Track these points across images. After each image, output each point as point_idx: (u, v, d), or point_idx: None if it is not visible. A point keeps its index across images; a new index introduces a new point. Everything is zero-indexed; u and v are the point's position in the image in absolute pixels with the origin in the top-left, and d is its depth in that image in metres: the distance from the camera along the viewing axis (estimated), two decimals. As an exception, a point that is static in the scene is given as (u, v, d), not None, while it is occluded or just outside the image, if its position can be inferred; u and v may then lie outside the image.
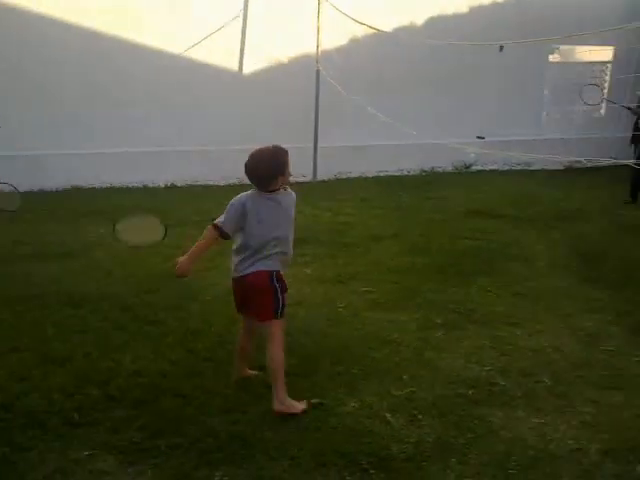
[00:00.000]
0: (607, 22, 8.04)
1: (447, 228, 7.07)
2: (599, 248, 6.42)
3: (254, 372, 3.68)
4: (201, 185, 9.22)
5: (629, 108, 8.48)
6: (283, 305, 3.32)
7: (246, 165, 3.28)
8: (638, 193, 8.46)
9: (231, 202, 3.31)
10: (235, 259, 3.34)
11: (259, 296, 3.30)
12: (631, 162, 7.25)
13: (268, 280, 3.28)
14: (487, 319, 4.62)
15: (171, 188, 9.16)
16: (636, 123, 8.45)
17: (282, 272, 3.37)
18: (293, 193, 3.40)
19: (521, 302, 4.99)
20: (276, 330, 3.32)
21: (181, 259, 3.29)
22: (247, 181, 3.35)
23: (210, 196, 8.33)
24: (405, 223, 7.25)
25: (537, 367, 3.91)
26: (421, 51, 9.91)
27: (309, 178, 9.60)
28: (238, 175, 7.82)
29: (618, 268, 5.80)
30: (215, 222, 3.28)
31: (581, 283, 5.46)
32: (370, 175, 10.22)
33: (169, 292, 4.93)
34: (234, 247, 3.36)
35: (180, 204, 8.02)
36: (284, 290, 3.34)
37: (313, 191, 8.47)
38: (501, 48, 9.70)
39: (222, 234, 3.27)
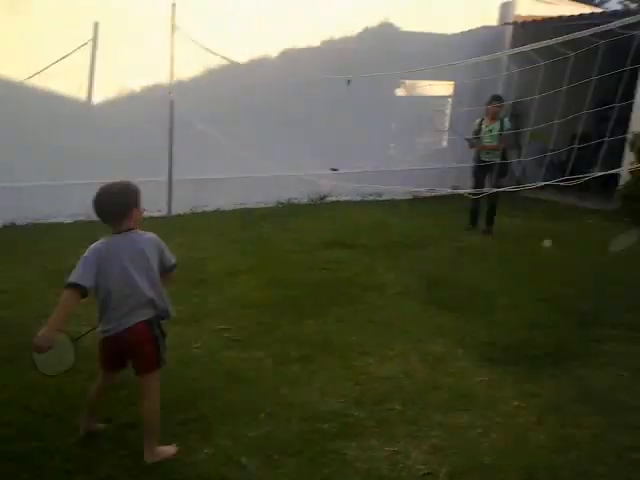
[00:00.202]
0: (454, 59, 8.48)
1: (303, 260, 7.15)
2: (445, 273, 6.80)
3: (102, 425, 3.45)
4: (45, 223, 8.62)
5: (468, 140, 9.10)
6: (163, 352, 3.23)
7: (95, 200, 3.07)
8: (478, 220, 9.09)
9: (84, 255, 3.04)
10: (101, 314, 3.12)
11: (140, 349, 3.14)
12: (465, 192, 7.79)
13: (148, 331, 3.14)
14: (342, 350, 4.69)
15: (10, 227, 8.47)
16: (478, 154, 8.97)
17: (160, 318, 3.23)
18: (152, 234, 3.21)
19: (374, 330, 5.14)
20: (153, 381, 3.19)
21: (42, 332, 2.91)
22: (95, 217, 3.12)
23: (55, 235, 7.82)
24: (262, 256, 7.24)
25: (389, 394, 4.02)
26: (275, 83, 10.07)
27: (164, 212, 9.34)
28: (85, 212, 7.42)
29: (462, 292, 6.17)
30: (70, 282, 2.95)
31: (429, 308, 5.73)
32: (227, 208, 10.13)
33: (2, 342, 4.51)
34: (98, 301, 3.12)
35: (20, 244, 7.44)
36: (164, 336, 3.23)
37: (168, 226, 8.22)
38: (349, 82, 10.12)
39: (83, 293, 2.96)
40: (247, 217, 9.54)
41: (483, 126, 8.92)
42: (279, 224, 9.01)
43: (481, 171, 8.88)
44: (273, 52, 10.55)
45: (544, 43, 5.56)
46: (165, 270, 3.24)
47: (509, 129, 8.85)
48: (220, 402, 3.81)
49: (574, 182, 5.23)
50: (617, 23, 5.06)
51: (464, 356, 4.70)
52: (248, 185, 10.28)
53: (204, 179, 9.82)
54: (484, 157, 8.87)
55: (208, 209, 9.98)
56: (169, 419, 3.48)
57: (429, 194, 10.80)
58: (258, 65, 10.12)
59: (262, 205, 10.45)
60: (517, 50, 6.69)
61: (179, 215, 9.54)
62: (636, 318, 5.49)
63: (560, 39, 5.35)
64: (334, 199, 11.15)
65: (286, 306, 5.58)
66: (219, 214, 9.85)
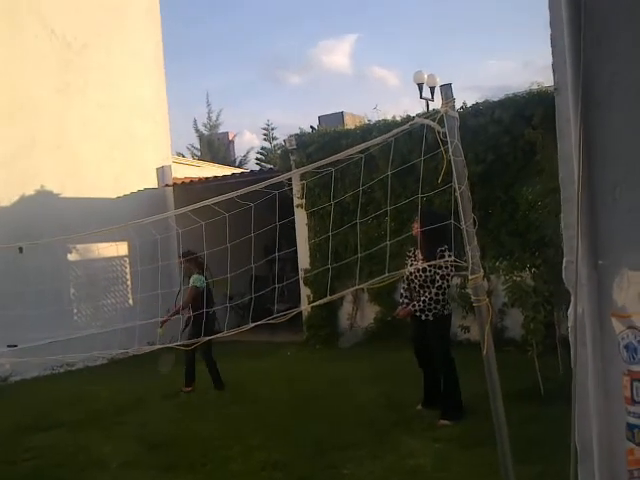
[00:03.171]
0: (124, 220, 8.32)
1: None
2: (167, 434, 6.44)
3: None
4: None
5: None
6: None
7: None
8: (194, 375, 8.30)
9: None
10: None
11: None
12: (163, 345, 7.07)
13: None
14: None
15: None
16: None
17: None
18: None
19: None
20: None
21: None
22: None
23: None
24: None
25: None
26: None
27: None
28: None
29: (190, 449, 5.92)
30: None
31: (160, 474, 5.38)
32: None
33: None
34: None
35: None
36: None
37: None
38: (21, 249, 9.54)
39: None
40: None
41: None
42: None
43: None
44: None
45: (207, 201, 5.30)
46: None
47: (194, 285, 8.34)
48: None
49: (280, 320, 5.52)
50: (273, 180, 5.16)
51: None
52: None
53: None
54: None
55: None
56: None
57: (127, 355, 10.29)
58: None
59: None
60: (182, 210, 6.18)
61: None
62: (361, 436, 5.85)
63: (227, 196, 5.17)
64: (20, 378, 9.88)
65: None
66: None
